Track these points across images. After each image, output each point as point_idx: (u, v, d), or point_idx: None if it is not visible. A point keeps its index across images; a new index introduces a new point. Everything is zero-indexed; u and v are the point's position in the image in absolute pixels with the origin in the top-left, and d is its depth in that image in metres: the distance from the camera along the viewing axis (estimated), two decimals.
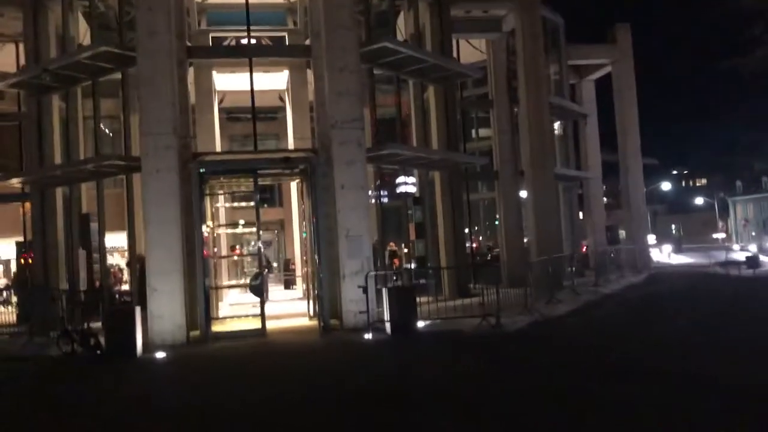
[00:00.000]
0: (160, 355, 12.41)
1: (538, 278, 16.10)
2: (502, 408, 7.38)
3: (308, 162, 14.75)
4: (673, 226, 64.81)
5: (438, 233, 20.16)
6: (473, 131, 30.37)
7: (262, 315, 14.18)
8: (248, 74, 16.20)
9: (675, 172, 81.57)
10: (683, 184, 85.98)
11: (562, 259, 18.30)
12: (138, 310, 12.67)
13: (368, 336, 12.93)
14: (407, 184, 25.56)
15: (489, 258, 24.51)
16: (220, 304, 20.13)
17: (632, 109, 27.08)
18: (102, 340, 12.54)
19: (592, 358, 10.09)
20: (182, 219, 14.04)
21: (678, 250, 36.27)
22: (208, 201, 15.64)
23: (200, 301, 13.96)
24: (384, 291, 13.35)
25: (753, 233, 61.08)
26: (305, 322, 16.06)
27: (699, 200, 64.63)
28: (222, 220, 21.98)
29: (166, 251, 13.63)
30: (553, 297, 16.26)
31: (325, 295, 14.41)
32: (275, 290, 26.86)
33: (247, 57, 16.61)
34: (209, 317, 14.11)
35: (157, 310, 13.51)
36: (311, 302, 16.42)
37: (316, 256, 14.72)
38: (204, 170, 14.16)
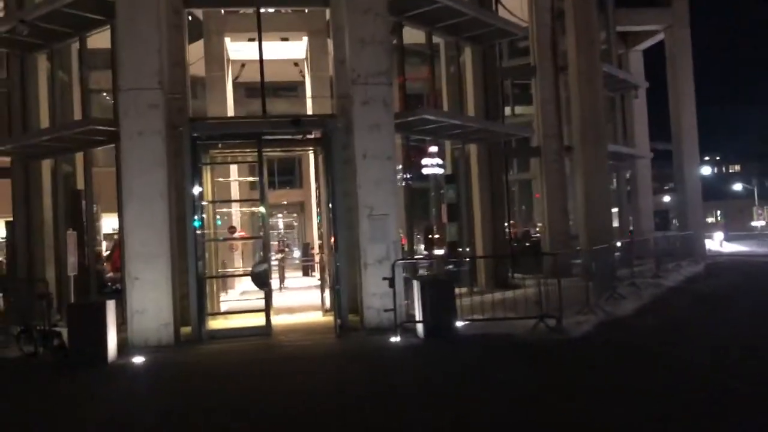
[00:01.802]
0: (138, 360, 9.74)
1: (601, 270, 13.10)
2: None
3: (323, 127, 11.91)
4: (718, 213, 60.71)
5: (474, 216, 17.27)
6: (507, 108, 27.37)
7: (267, 310, 11.45)
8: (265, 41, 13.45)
9: (707, 157, 77.38)
10: (716, 170, 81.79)
11: (622, 247, 15.25)
12: (112, 304, 9.97)
13: (396, 339, 10.12)
14: (433, 166, 22.73)
15: (527, 245, 21.49)
16: (224, 294, 17.50)
17: (688, 80, 23.76)
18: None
19: (702, 378, 7.19)
20: (172, 194, 11.33)
21: (727, 237, 32.89)
22: (208, 174, 12.88)
23: (192, 293, 11.27)
24: (414, 284, 10.50)
25: None
26: (319, 317, 13.31)
27: (737, 186, 60.58)
28: (234, 196, 19.30)
29: (151, 231, 10.93)
30: (614, 292, 13.30)
31: (343, 288, 11.64)
32: (292, 277, 24.17)
33: (254, 6, 13.76)
34: (203, 312, 11.43)
35: (138, 303, 10.83)
36: (327, 294, 13.67)
37: (332, 242, 11.93)
38: (197, 134, 11.40)
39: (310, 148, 13.41)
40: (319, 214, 14.48)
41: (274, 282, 20.13)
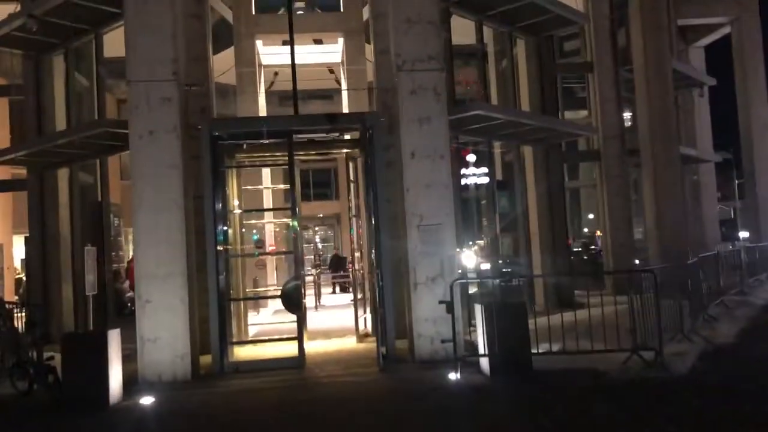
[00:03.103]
0: (146, 401, 7.95)
1: (697, 287, 10.92)
2: None
3: (362, 123, 10.06)
4: None
5: (530, 226, 15.24)
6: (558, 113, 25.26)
7: (300, 338, 9.59)
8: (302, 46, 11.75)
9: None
10: None
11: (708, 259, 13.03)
12: (115, 334, 8.21)
13: (455, 377, 8.15)
14: (477, 175, 20.80)
15: (586, 258, 19.30)
16: (255, 314, 15.73)
17: (758, 76, 21.44)
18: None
19: None
20: (190, 203, 9.61)
21: None
22: (233, 180, 11.13)
23: (213, 317, 9.49)
24: (477, 308, 8.52)
25: None
26: (357, 343, 11.42)
27: None
28: (267, 204, 17.50)
29: (164, 246, 9.16)
30: (705, 313, 11.15)
31: (388, 310, 9.73)
32: (325, 294, 22.27)
33: None
34: (226, 340, 9.62)
35: (149, 330, 9.06)
36: (365, 316, 11.81)
37: (373, 256, 10.06)
38: (218, 133, 9.66)
39: (347, 150, 11.54)
40: (351, 224, 12.52)
41: (310, 300, 18.34)
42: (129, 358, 8.94)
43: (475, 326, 10.68)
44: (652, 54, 15.68)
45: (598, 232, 21.44)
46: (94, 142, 11.86)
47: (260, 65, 21.64)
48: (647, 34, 15.74)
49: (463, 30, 13.91)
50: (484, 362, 8.36)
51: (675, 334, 9.49)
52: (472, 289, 12.68)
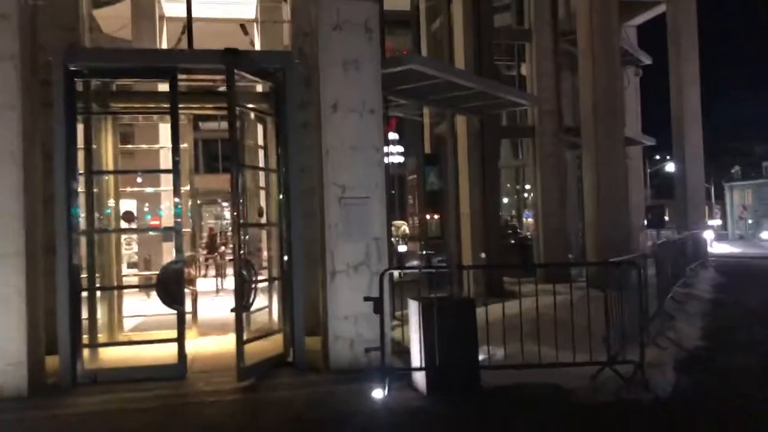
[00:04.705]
0: None
1: (665, 280, 9.37)
2: None
3: (272, 65, 7.80)
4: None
5: (461, 207, 13.47)
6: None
7: (180, 340, 7.29)
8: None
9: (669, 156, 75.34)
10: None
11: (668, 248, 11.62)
12: None
13: (380, 396, 6.17)
14: (392, 154, 19.03)
15: (513, 242, 17.80)
16: (147, 299, 13.11)
17: (692, 59, 20.51)
18: None
19: None
20: (33, 157, 7.09)
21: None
22: (107, 134, 8.59)
23: (62, 312, 7.07)
24: (414, 306, 6.52)
25: (750, 221, 55.38)
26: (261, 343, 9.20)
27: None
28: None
29: None
30: (661, 309, 9.64)
31: (298, 304, 7.62)
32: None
33: None
34: (79, 342, 7.20)
35: None
36: (269, 306, 9.62)
37: (285, 235, 7.87)
38: (76, 67, 7.15)
39: (252, 105, 9.18)
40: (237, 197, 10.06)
41: (210, 284, 15.91)
42: None
43: (399, 321, 8.80)
44: (599, 24, 14.12)
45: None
46: None
47: (162, 17, 18.84)
48: (594, 4, 14.16)
49: None
50: (419, 376, 6.40)
51: (634, 335, 7.84)
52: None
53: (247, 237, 9.08)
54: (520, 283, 9.79)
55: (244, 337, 7.33)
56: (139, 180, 13.35)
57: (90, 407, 6.40)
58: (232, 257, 12.80)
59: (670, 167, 50.41)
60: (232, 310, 7.02)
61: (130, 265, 14.38)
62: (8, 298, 6.66)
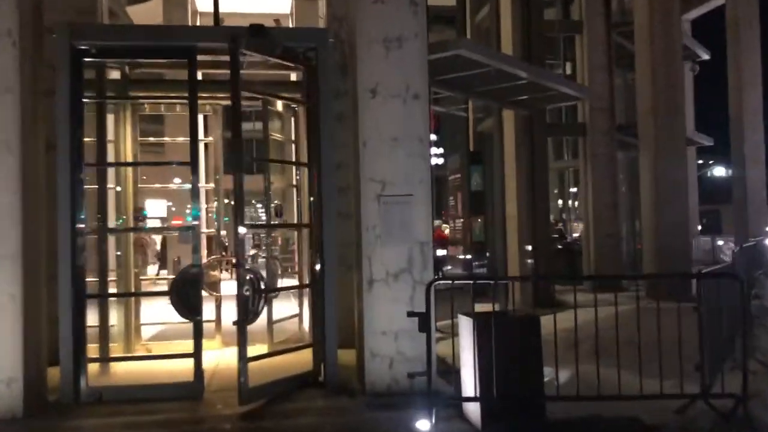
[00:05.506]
0: None
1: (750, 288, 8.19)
2: None
3: (305, 44, 6.87)
4: None
5: (507, 209, 12.40)
6: None
7: (197, 355, 6.40)
8: None
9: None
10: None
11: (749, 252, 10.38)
12: None
13: (426, 428, 5.14)
14: (435, 156, 18.03)
15: (560, 247, 16.59)
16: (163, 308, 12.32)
17: (753, 54, 19.01)
18: None
19: None
20: (35, 147, 6.28)
21: None
22: (126, 123, 7.77)
23: (64, 321, 6.23)
24: (466, 324, 5.48)
25: None
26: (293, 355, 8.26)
27: None
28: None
29: None
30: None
31: (330, 316, 6.66)
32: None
33: None
34: (83, 356, 6.36)
35: None
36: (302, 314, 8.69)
37: (316, 238, 6.93)
38: (84, 46, 6.31)
39: (287, 95, 8.27)
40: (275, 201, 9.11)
41: (230, 286, 15.04)
42: None
43: (442, 333, 7.79)
44: (660, 15, 12.89)
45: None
46: None
47: (195, 12, 18.28)
48: None
49: None
50: (472, 405, 5.36)
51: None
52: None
53: (269, 240, 8.16)
54: (575, 292, 8.68)
55: (267, 350, 6.44)
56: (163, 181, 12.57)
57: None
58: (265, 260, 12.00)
59: (718, 171, 48.30)
60: (234, 323, 6.14)
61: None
62: (2, 307, 5.84)
